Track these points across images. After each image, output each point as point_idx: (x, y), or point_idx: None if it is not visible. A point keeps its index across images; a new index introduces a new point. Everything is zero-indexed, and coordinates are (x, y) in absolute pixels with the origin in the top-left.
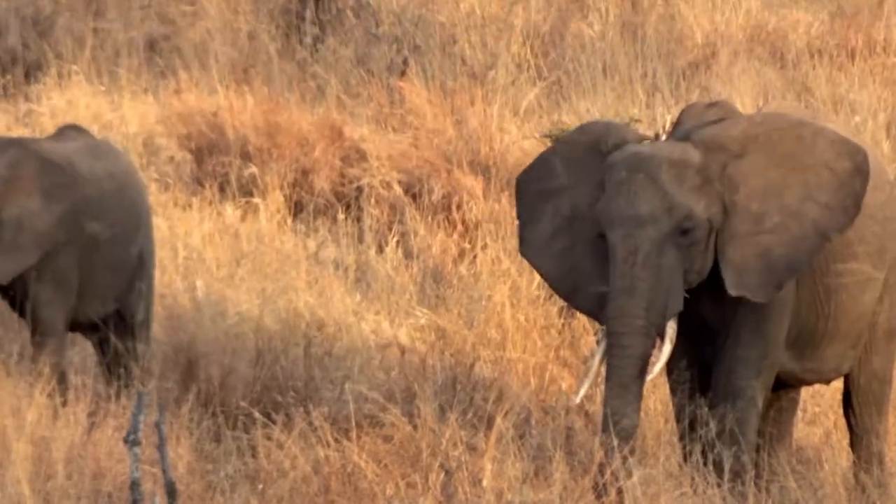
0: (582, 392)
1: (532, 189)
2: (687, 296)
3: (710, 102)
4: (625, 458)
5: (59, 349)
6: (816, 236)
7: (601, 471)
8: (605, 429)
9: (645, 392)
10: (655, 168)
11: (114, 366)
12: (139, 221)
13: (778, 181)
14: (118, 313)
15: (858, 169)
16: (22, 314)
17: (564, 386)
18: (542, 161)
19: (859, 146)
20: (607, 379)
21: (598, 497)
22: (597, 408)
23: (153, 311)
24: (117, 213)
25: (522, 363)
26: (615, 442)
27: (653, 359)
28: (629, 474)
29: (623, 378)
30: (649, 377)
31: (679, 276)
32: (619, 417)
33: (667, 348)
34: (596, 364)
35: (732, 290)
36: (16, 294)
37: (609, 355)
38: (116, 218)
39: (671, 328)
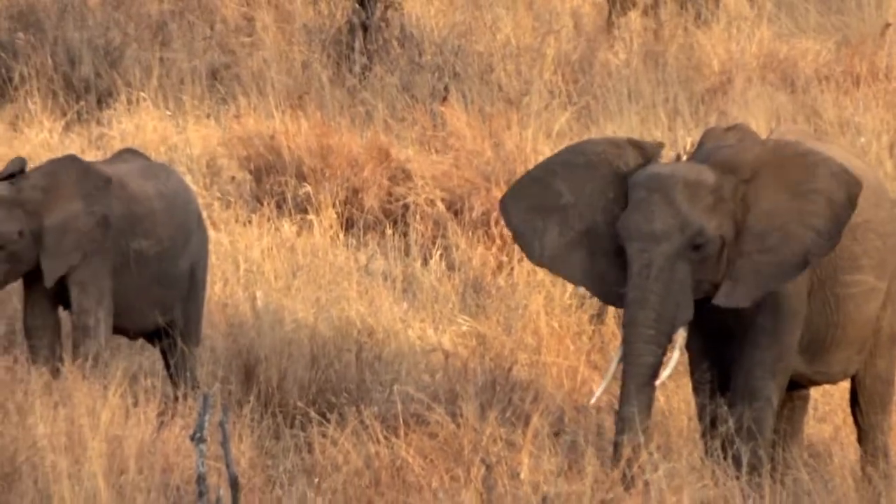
0: (598, 393)
1: (523, 206)
2: (709, 304)
3: (728, 126)
4: (650, 454)
5: (97, 353)
6: (803, 258)
7: (629, 465)
8: (619, 432)
9: (669, 392)
10: (671, 188)
11: (176, 371)
12: (188, 238)
13: (782, 205)
14: (172, 322)
15: (851, 201)
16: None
17: (595, 387)
18: (533, 181)
19: (857, 178)
20: (622, 385)
21: (627, 489)
22: None
23: (203, 319)
24: (165, 230)
25: (556, 366)
26: (625, 442)
27: (664, 365)
28: (655, 468)
29: (635, 384)
30: (658, 382)
31: (689, 289)
32: (629, 424)
33: (675, 355)
34: (612, 368)
35: (720, 301)
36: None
37: (624, 362)
38: (164, 235)
39: (681, 337)
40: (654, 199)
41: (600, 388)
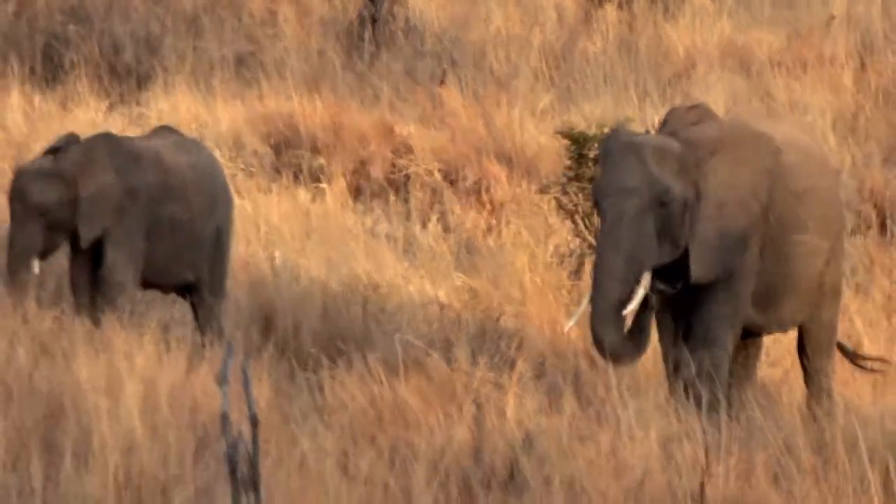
0: (571, 322)
1: None
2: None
3: (690, 105)
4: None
5: (125, 305)
6: (750, 225)
7: (603, 404)
8: (597, 349)
9: None
10: (643, 152)
11: (204, 321)
12: (215, 204)
13: (737, 178)
14: (200, 278)
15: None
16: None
17: (573, 335)
18: None
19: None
20: (592, 315)
21: (599, 425)
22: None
23: (228, 276)
24: (195, 197)
25: (539, 317)
26: (608, 358)
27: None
28: (625, 406)
29: (603, 315)
30: (625, 312)
31: (654, 239)
32: (602, 338)
33: (640, 292)
34: (584, 303)
35: (693, 279)
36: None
37: (595, 297)
38: (194, 201)
39: (646, 279)
40: (629, 160)
41: (573, 319)
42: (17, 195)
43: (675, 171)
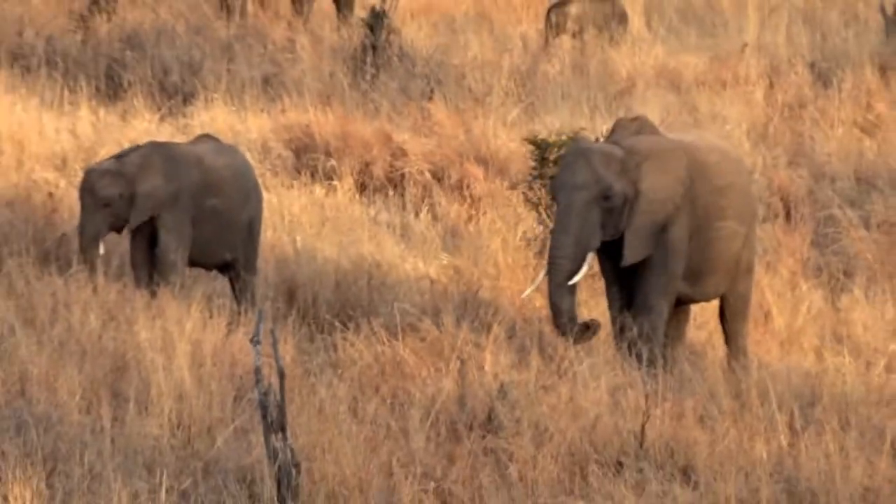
0: (527, 292)
1: None
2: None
3: (633, 117)
4: (577, 352)
5: (176, 280)
6: (665, 220)
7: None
8: (553, 317)
9: (590, 308)
10: (591, 155)
11: (239, 293)
12: (248, 197)
13: (662, 180)
14: (236, 258)
15: (689, 177)
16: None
17: (538, 304)
18: None
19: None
20: (548, 285)
21: (560, 377)
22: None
23: (258, 256)
24: (231, 192)
25: (510, 290)
26: (565, 323)
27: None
28: (581, 362)
29: (557, 284)
30: (572, 282)
31: (598, 226)
32: (558, 304)
33: (584, 268)
34: (540, 277)
35: (624, 262)
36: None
37: (549, 271)
38: (231, 195)
39: (590, 257)
40: (579, 162)
41: (529, 289)
42: (88, 190)
43: (617, 172)
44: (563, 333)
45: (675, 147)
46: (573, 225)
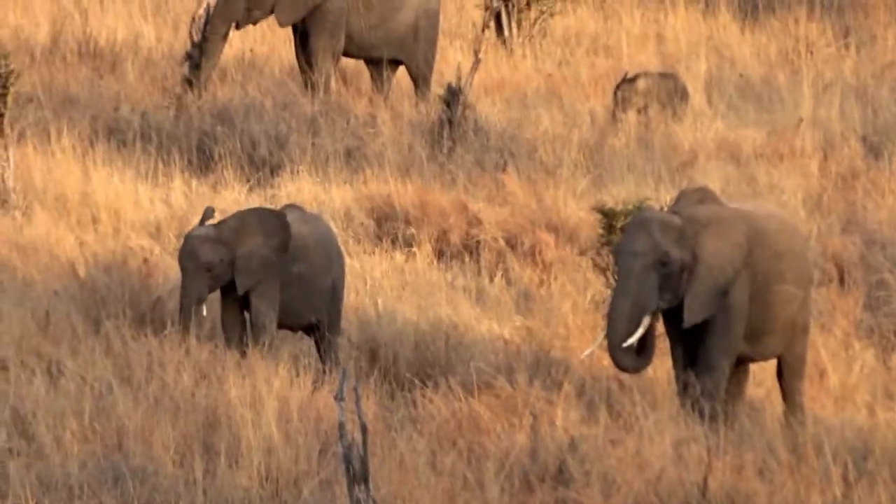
0: (588, 351)
1: None
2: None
3: (696, 188)
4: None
5: (266, 341)
6: (726, 284)
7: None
8: (617, 367)
9: (656, 367)
10: (650, 224)
11: (324, 353)
12: (331, 263)
13: (720, 246)
14: (320, 320)
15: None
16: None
17: (605, 363)
18: None
19: (755, 227)
20: (608, 346)
21: (627, 432)
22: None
23: (342, 318)
24: (316, 258)
25: (580, 350)
26: (628, 368)
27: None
28: (646, 417)
29: (614, 345)
30: (627, 343)
31: (655, 290)
32: (618, 360)
33: (640, 331)
34: (599, 338)
35: (685, 323)
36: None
37: (608, 333)
38: (315, 261)
39: (647, 319)
40: (639, 230)
41: (589, 349)
42: (189, 256)
43: (675, 239)
44: (626, 369)
45: (734, 215)
46: (631, 289)
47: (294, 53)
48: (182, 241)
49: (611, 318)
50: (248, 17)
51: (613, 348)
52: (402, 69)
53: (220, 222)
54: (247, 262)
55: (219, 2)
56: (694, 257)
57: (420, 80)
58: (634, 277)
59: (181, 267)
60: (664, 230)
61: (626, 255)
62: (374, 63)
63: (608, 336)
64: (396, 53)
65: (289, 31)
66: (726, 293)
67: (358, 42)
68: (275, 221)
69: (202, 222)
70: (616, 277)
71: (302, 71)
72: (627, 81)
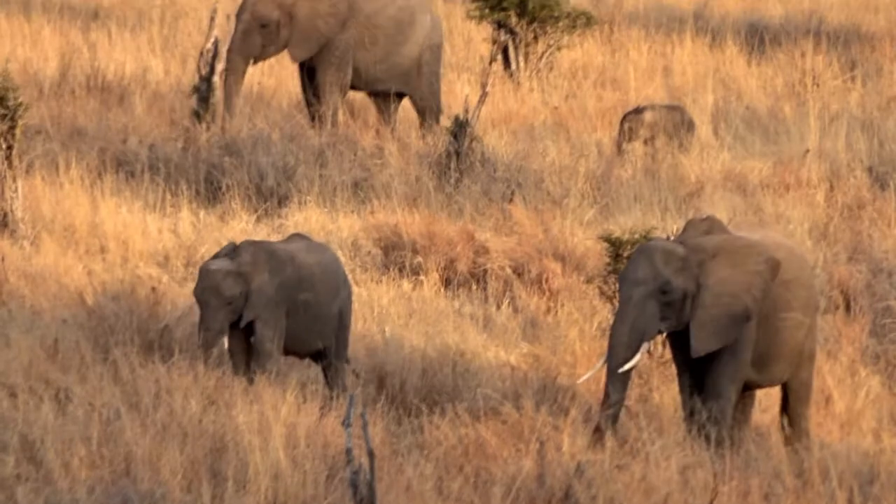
0: (585, 377)
1: None
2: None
3: (703, 218)
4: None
5: (272, 368)
6: (744, 311)
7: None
8: (604, 400)
9: (662, 392)
10: (653, 253)
11: (331, 379)
12: (338, 291)
13: (730, 276)
14: (328, 347)
15: (772, 271)
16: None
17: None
18: None
19: (773, 256)
20: (606, 372)
21: (633, 457)
22: (634, 406)
23: (349, 345)
24: (322, 286)
25: (587, 370)
26: (609, 412)
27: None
28: (653, 442)
29: (612, 370)
30: (625, 368)
31: (655, 318)
32: (609, 396)
33: (638, 357)
34: (598, 364)
35: (693, 353)
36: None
37: (607, 358)
38: (321, 290)
39: (645, 346)
40: (641, 258)
41: (587, 374)
42: (214, 290)
43: (677, 268)
44: (603, 418)
45: (748, 244)
46: (630, 316)
47: (300, 87)
48: (201, 274)
49: (610, 344)
50: (263, 53)
51: (610, 373)
52: (406, 102)
53: (234, 254)
54: (257, 297)
55: (235, 38)
56: (698, 286)
57: (426, 113)
58: (634, 305)
59: (202, 300)
60: (666, 259)
61: (627, 283)
62: (379, 96)
63: (607, 360)
64: (401, 87)
65: (295, 64)
66: (748, 320)
67: (364, 76)
68: (283, 258)
69: (220, 255)
70: (617, 304)
71: (308, 104)
72: (634, 112)
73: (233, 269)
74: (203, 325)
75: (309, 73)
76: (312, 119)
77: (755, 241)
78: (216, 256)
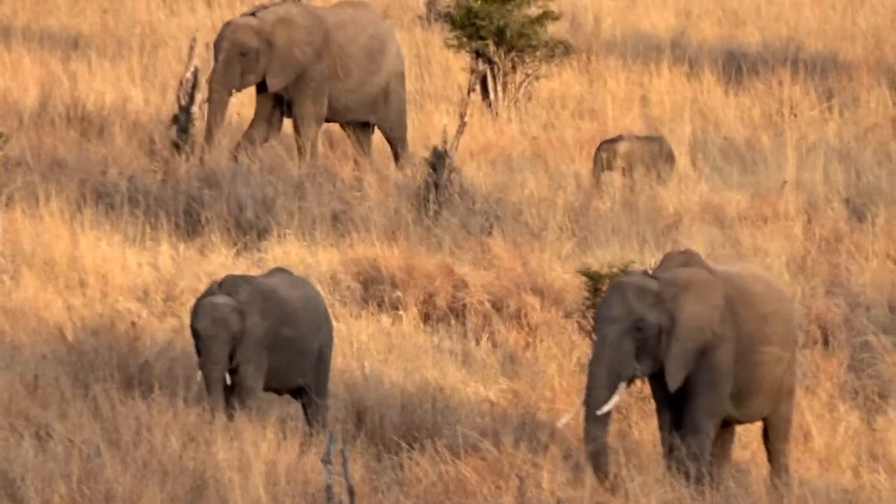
0: (563, 421)
1: None
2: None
3: (681, 251)
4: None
5: (253, 405)
6: (704, 345)
7: (616, 478)
8: (584, 442)
9: (641, 428)
10: (626, 289)
11: (311, 416)
12: (319, 327)
13: (699, 310)
14: (307, 383)
15: (728, 305)
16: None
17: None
18: None
19: (729, 291)
20: (584, 413)
21: (613, 494)
22: (613, 442)
23: (329, 381)
24: (304, 322)
25: (565, 412)
26: (590, 452)
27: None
28: (632, 479)
29: (591, 413)
30: (604, 409)
31: (631, 356)
32: (590, 437)
33: (616, 398)
34: (577, 406)
35: (669, 387)
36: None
37: (585, 399)
38: (303, 325)
39: (622, 387)
40: (615, 295)
41: (565, 418)
42: (222, 324)
43: (651, 304)
44: (591, 461)
45: (713, 278)
46: (606, 356)
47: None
48: (204, 308)
49: (588, 385)
50: (244, 81)
51: (588, 414)
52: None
53: (230, 290)
54: (249, 337)
55: (217, 69)
56: (672, 321)
57: (396, 143)
58: (609, 344)
59: (209, 335)
60: (640, 295)
61: (601, 321)
62: (351, 126)
63: (586, 403)
64: (369, 116)
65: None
66: (704, 354)
67: (335, 106)
68: (273, 300)
69: (208, 294)
70: (593, 344)
71: (249, 140)
72: (609, 142)
73: (236, 306)
74: (209, 360)
75: (288, 105)
76: (292, 150)
77: (727, 274)
78: (205, 295)
